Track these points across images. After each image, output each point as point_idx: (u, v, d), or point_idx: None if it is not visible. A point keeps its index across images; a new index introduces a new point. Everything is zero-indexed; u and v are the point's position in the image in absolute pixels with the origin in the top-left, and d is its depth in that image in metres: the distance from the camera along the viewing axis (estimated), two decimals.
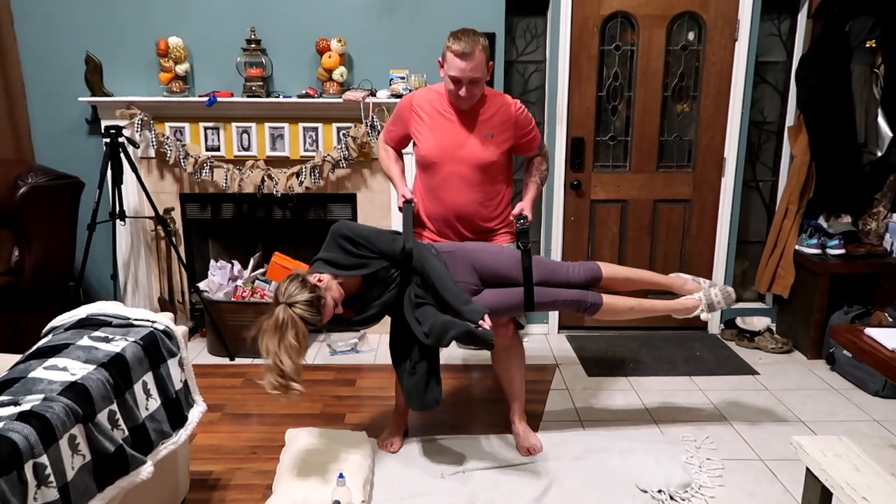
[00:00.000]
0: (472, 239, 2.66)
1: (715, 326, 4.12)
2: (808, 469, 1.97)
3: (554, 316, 4.09)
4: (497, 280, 2.49)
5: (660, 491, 2.45)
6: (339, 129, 3.72)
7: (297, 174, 3.73)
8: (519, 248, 2.52)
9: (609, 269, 2.65)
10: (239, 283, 3.71)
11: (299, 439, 2.63)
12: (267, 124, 3.73)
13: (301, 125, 3.73)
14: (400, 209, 2.63)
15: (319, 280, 2.28)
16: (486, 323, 2.22)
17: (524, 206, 2.62)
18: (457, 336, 2.21)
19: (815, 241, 3.73)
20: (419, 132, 2.63)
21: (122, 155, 3.42)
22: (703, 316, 2.70)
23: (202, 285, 3.73)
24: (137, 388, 1.92)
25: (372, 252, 2.39)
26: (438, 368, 2.46)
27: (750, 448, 2.78)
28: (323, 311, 2.25)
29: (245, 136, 3.76)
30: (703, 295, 2.71)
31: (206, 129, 3.75)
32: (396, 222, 3.81)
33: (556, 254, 3.98)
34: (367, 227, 2.47)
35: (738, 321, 3.96)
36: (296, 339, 2.16)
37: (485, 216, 2.65)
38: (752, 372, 3.55)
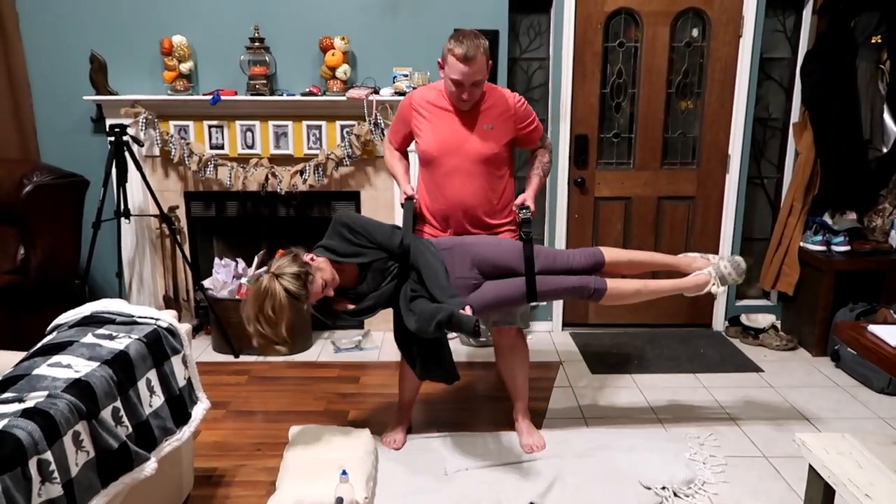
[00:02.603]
0: (475, 234, 2.66)
1: (720, 324, 4.11)
2: (810, 466, 1.97)
3: (558, 312, 4.09)
4: (498, 272, 2.49)
5: (664, 488, 2.45)
6: (342, 127, 3.73)
7: (301, 172, 3.74)
8: (521, 239, 2.53)
9: (612, 254, 2.62)
10: (243, 280, 3.72)
11: (303, 436, 2.64)
12: (271, 122, 3.74)
13: (305, 123, 3.74)
14: (402, 205, 2.66)
15: (312, 259, 2.33)
16: (468, 310, 2.18)
17: (527, 197, 2.64)
18: (441, 321, 2.17)
19: (820, 237, 3.72)
20: (420, 129, 2.64)
21: (126, 153, 3.43)
22: (714, 290, 2.60)
23: (206, 283, 3.74)
24: (141, 385, 1.93)
25: (370, 242, 2.42)
26: (445, 347, 2.49)
27: (754, 445, 2.77)
28: (309, 288, 2.27)
29: (249, 134, 3.77)
30: (712, 269, 2.62)
31: (210, 127, 3.76)
32: (400, 220, 3.81)
33: None
34: (368, 219, 2.51)
35: (743, 318, 3.95)
36: (272, 311, 2.21)
37: (488, 210, 2.64)
38: (757, 369, 3.54)
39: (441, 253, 2.46)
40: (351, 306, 2.45)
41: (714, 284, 2.59)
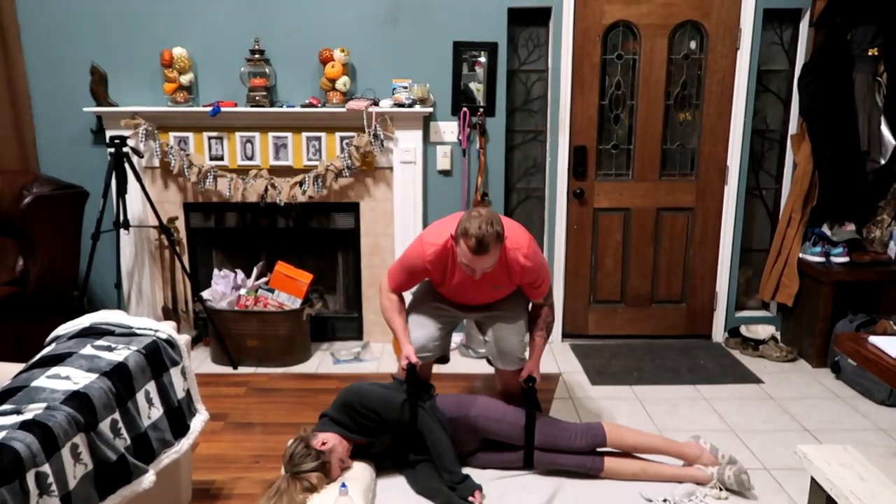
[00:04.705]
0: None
1: (719, 335, 4.11)
2: (812, 478, 1.96)
3: (558, 324, 4.08)
4: (497, 442, 2.59)
5: (665, 500, 2.44)
6: (342, 139, 3.74)
7: (301, 183, 3.74)
8: (526, 406, 2.59)
9: (614, 437, 2.57)
10: (242, 292, 3.72)
11: None
12: (270, 134, 3.75)
13: (304, 134, 3.75)
14: (403, 369, 2.59)
15: (324, 443, 2.40)
16: (477, 500, 2.35)
17: (532, 368, 2.66)
18: None
19: (819, 249, 3.72)
20: (431, 279, 2.74)
21: (126, 164, 3.43)
22: (713, 494, 2.46)
23: (206, 294, 3.73)
24: (140, 396, 1.92)
25: (381, 422, 2.49)
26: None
27: (755, 457, 2.76)
28: (330, 474, 2.39)
29: (249, 145, 3.77)
30: (716, 473, 2.49)
31: (209, 138, 3.77)
32: (399, 234, 3.82)
33: (559, 261, 3.98)
34: (377, 397, 2.51)
35: (743, 330, 3.95)
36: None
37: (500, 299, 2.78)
38: (757, 381, 3.53)
39: (447, 423, 2.53)
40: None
41: (714, 485, 2.48)
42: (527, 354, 2.77)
